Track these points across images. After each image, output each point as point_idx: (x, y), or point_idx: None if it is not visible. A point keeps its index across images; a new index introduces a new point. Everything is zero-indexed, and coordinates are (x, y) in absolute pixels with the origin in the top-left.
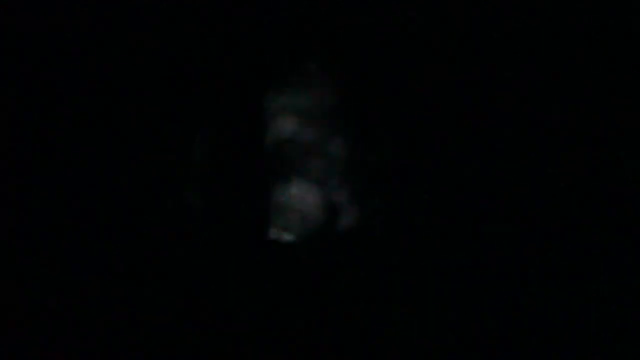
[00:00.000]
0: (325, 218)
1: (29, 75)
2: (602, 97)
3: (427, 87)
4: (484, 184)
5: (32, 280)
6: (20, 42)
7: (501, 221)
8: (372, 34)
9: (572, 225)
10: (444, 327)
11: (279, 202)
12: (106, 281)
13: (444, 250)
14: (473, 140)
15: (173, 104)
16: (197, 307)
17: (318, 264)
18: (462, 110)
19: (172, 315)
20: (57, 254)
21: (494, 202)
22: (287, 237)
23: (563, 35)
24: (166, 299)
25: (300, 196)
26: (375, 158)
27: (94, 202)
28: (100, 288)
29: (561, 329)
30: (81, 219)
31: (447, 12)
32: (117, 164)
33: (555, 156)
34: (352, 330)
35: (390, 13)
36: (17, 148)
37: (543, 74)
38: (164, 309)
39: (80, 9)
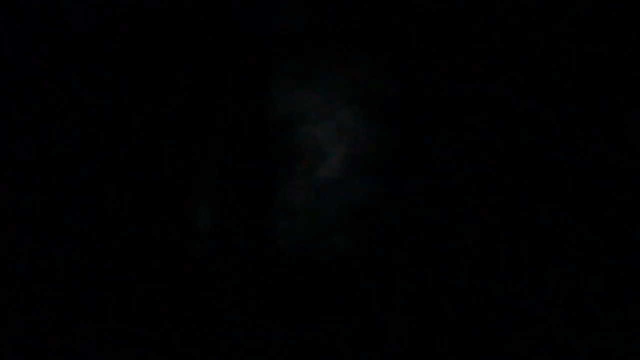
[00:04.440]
0: (335, 224)
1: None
2: (602, 97)
3: (439, 81)
4: (489, 182)
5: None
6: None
7: (504, 220)
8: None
9: (573, 226)
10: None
11: (290, 207)
12: (113, 293)
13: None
14: (492, 136)
15: (182, 112)
16: (206, 317)
17: (330, 269)
18: (472, 105)
19: (181, 327)
20: (63, 267)
21: (496, 202)
22: (298, 242)
23: (564, 35)
24: (174, 310)
25: (311, 201)
26: (387, 159)
27: (103, 213)
28: (106, 301)
29: (559, 330)
30: (91, 232)
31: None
32: (126, 177)
33: (556, 156)
34: (360, 335)
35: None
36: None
37: (543, 75)
38: (173, 321)
39: (88, 23)
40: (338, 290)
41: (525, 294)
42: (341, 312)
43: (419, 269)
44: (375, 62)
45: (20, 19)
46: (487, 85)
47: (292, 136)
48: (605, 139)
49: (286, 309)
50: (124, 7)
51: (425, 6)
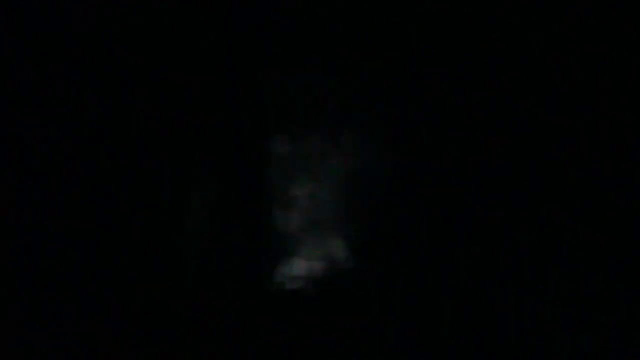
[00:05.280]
0: (331, 263)
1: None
2: (603, 97)
3: (433, 87)
4: (488, 187)
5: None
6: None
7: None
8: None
9: (575, 227)
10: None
11: (283, 246)
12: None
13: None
14: (480, 142)
15: (170, 144)
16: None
17: (324, 312)
18: (467, 111)
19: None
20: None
21: (497, 205)
22: (291, 284)
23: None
24: (164, 348)
25: (304, 239)
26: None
27: (92, 244)
28: (97, 335)
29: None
30: (78, 265)
31: (450, 11)
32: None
33: (558, 157)
34: None
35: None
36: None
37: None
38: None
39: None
40: (337, 302)
41: (526, 311)
42: (338, 323)
43: (418, 284)
44: (375, 65)
45: (20, 18)
46: (486, 93)
47: (287, 151)
48: (605, 139)
49: (281, 322)
50: (121, 5)
51: (425, 8)
